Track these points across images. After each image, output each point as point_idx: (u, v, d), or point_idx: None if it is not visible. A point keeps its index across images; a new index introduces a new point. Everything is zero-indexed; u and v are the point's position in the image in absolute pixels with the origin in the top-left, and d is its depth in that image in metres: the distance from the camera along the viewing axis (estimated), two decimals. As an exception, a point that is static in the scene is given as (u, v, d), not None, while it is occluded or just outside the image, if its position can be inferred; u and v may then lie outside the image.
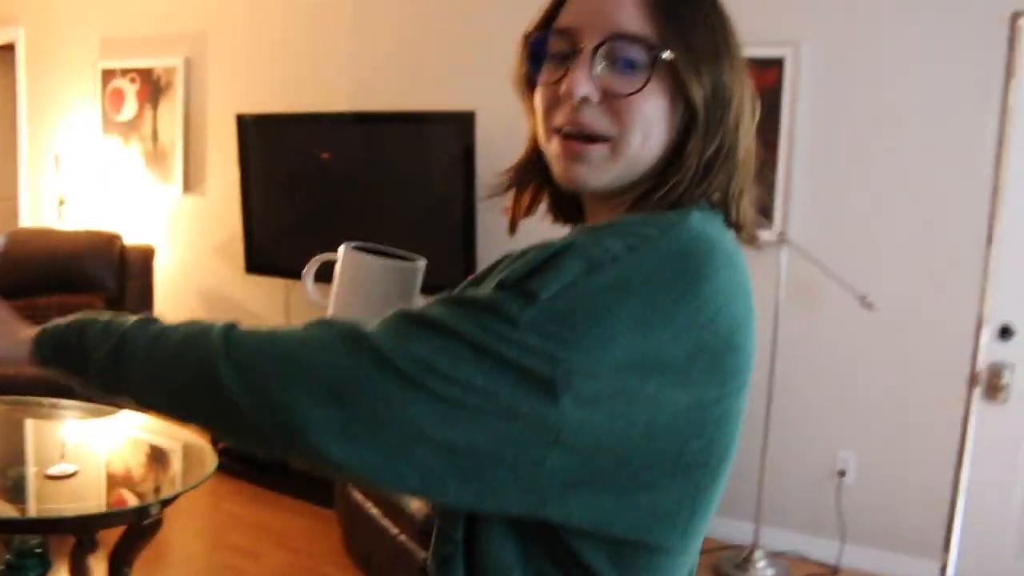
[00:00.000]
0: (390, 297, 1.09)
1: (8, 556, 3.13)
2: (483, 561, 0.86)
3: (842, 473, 3.71)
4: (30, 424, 3.65)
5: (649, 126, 0.87)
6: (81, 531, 3.12)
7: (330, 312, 1.11)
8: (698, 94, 0.86)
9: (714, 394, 0.80)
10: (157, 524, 2.89)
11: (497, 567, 0.85)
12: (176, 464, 3.14)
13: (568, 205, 1.03)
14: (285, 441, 0.78)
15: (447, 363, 0.74)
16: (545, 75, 0.90)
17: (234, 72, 5.01)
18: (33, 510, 2.80)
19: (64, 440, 3.47)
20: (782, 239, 3.51)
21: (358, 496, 3.35)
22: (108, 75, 5.51)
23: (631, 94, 0.85)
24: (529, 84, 0.95)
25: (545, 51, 0.90)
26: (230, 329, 0.85)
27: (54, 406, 3.74)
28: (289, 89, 4.79)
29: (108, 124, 5.53)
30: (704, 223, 0.84)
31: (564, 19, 0.89)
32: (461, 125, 3.93)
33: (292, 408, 0.76)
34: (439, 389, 0.74)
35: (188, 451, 3.26)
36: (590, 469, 0.76)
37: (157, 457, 3.26)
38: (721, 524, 3.76)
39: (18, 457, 3.33)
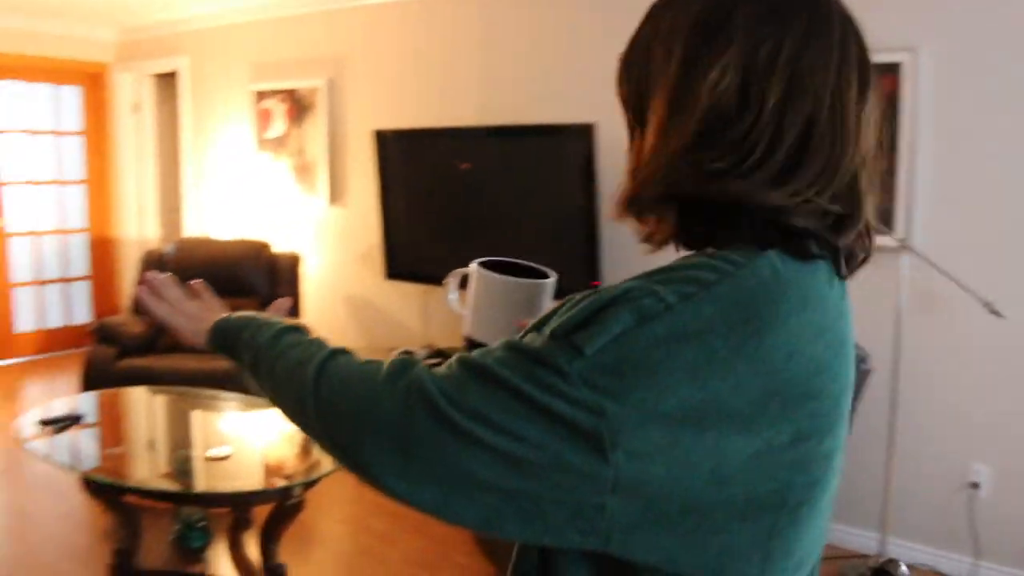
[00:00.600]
0: (518, 312, 1.14)
1: (177, 527, 3.50)
2: None
3: (975, 486, 3.54)
4: (195, 412, 4.04)
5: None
6: (234, 505, 3.45)
7: (465, 324, 1.20)
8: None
9: (786, 439, 0.78)
10: (300, 505, 3.19)
11: None
12: (319, 452, 3.43)
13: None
14: (357, 474, 0.84)
15: (498, 414, 0.76)
16: None
17: (371, 91, 5.34)
18: (196, 486, 3.14)
19: (223, 427, 3.84)
20: (904, 246, 3.43)
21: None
22: (259, 96, 5.96)
23: None
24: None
25: None
26: (325, 363, 0.91)
27: (215, 397, 4.13)
28: (422, 105, 5.07)
29: (260, 141, 5.98)
30: (781, 262, 0.81)
31: None
32: (581, 137, 4.08)
33: (359, 450, 0.82)
34: (491, 440, 0.75)
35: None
36: (653, 513, 0.76)
37: (303, 445, 3.57)
38: (845, 533, 3.74)
39: (184, 440, 3.72)
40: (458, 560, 3.65)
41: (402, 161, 4.87)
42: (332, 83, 5.53)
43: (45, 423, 3.57)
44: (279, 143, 5.84)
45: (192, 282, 1.26)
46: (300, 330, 1.03)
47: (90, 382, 4.72)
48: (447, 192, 4.71)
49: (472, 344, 1.17)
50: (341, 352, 0.94)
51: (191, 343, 1.18)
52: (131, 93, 7.24)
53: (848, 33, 0.86)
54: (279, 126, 5.82)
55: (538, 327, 0.83)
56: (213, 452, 3.32)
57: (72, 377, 6.45)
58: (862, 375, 3.09)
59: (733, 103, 0.82)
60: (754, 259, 0.80)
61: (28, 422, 3.62)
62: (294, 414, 0.94)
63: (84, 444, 3.58)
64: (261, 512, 3.81)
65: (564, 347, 0.76)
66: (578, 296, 0.81)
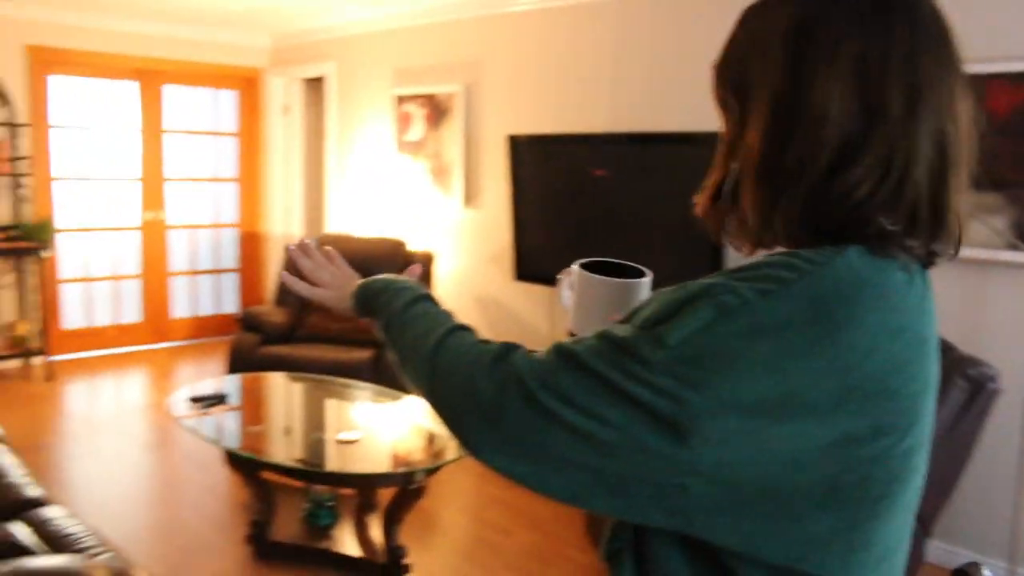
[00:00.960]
0: (615, 308, 1.20)
1: (308, 505, 3.73)
2: (649, 563, 0.90)
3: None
4: (329, 399, 4.27)
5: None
6: (360, 486, 3.66)
7: (570, 320, 1.30)
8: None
9: (865, 433, 0.80)
10: (421, 490, 3.35)
11: (663, 571, 0.89)
12: (441, 443, 3.59)
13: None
14: (461, 444, 0.91)
15: (584, 398, 0.81)
16: None
17: (506, 97, 5.49)
18: (327, 466, 3.35)
19: (354, 413, 4.06)
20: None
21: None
22: (400, 101, 6.21)
23: None
24: None
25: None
26: (445, 337, 0.99)
27: (347, 386, 4.36)
28: (555, 111, 5.19)
29: (399, 144, 6.23)
30: (860, 261, 0.83)
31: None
32: (711, 145, 4.10)
33: (462, 424, 0.90)
34: (577, 422, 0.81)
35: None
36: (733, 497, 0.79)
37: (427, 436, 3.74)
38: (970, 560, 3.63)
39: (318, 424, 3.95)
40: (570, 554, 3.74)
41: (534, 166, 4.99)
42: (469, 88, 5.71)
43: (195, 401, 3.87)
44: (418, 146, 6.07)
45: (326, 248, 1.37)
46: (431, 300, 1.11)
47: (234, 366, 5.04)
48: (578, 197, 4.81)
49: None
50: (461, 328, 1.01)
51: (336, 308, 1.30)
52: (282, 96, 7.66)
53: (947, 33, 0.87)
54: (418, 129, 6.05)
55: (629, 319, 0.89)
56: (344, 436, 3.53)
57: (219, 361, 6.88)
58: (989, 394, 3.03)
59: (856, 116, 0.83)
60: (833, 258, 0.82)
61: (179, 400, 3.93)
62: (415, 380, 1.01)
63: (228, 422, 3.86)
64: (385, 496, 4.02)
65: (649, 338, 0.81)
66: (666, 290, 0.87)
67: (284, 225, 7.80)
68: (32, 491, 2.97)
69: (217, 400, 3.91)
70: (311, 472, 3.36)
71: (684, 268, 4.35)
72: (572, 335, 1.25)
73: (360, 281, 1.24)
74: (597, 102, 4.95)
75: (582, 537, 3.86)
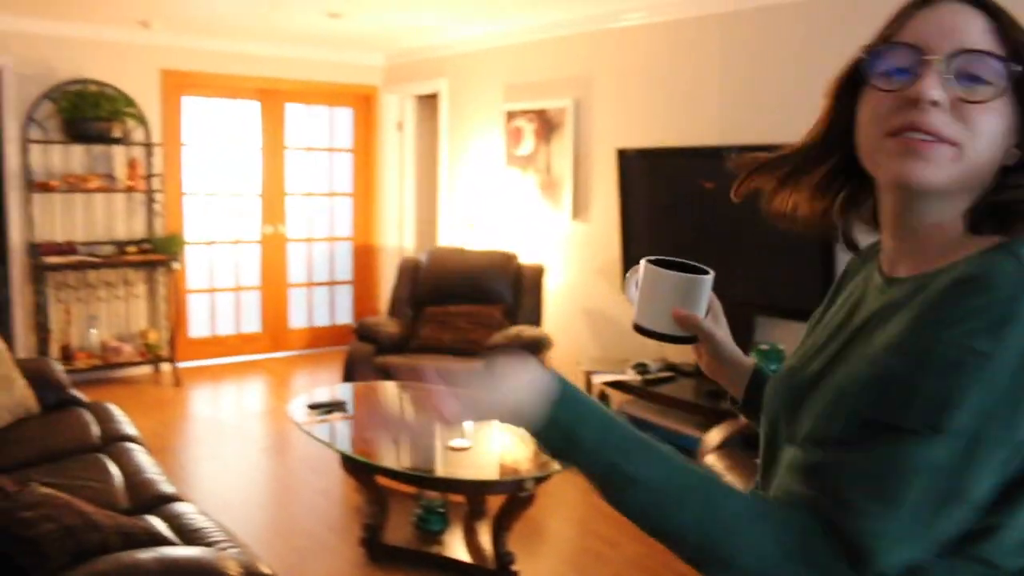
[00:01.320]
0: (677, 302, 1.26)
1: (419, 510, 3.83)
2: None
3: None
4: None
5: (993, 137, 0.91)
6: (471, 492, 3.74)
7: (635, 313, 1.32)
8: None
9: None
10: (530, 498, 3.42)
11: None
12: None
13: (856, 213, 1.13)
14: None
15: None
16: (882, 83, 0.95)
17: (615, 111, 5.54)
18: (439, 472, 3.45)
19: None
20: None
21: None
22: (510, 116, 6.33)
23: (982, 101, 0.90)
24: (846, 93, 1.03)
25: (882, 64, 0.96)
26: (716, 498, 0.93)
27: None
28: (664, 125, 5.21)
29: (510, 158, 6.35)
30: None
31: (908, 35, 0.95)
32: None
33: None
34: None
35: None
36: None
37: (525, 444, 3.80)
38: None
39: (429, 432, 4.05)
40: (678, 568, 3.73)
41: (643, 179, 5.03)
42: (578, 103, 5.78)
43: (312, 408, 4.03)
44: (528, 160, 6.17)
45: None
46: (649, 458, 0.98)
47: (350, 375, 5.22)
48: (686, 209, 4.81)
49: (639, 330, 1.29)
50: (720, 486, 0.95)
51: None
52: (395, 113, 7.88)
53: None
54: (528, 144, 6.15)
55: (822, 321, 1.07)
56: (455, 444, 3.63)
57: (333, 371, 7.11)
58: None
59: None
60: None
61: (298, 407, 4.10)
62: (671, 544, 0.97)
63: (345, 428, 4.01)
64: (494, 504, 4.10)
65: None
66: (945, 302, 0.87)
67: (397, 238, 8.01)
68: (166, 488, 3.15)
69: (335, 407, 4.06)
70: (424, 477, 3.47)
71: (793, 281, 4.32)
72: (636, 326, 1.30)
73: (535, 413, 0.97)
74: (708, 115, 4.95)
75: (690, 550, 3.85)
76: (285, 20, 6.05)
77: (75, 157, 6.54)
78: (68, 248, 6.40)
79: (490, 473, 3.60)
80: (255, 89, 7.33)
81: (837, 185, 1.10)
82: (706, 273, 1.29)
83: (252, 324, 7.61)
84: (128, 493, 3.09)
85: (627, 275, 1.36)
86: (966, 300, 0.85)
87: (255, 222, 7.52)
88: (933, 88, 0.90)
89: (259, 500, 4.50)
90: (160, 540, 2.38)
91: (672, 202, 4.92)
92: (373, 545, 3.69)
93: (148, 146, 6.74)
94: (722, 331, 1.29)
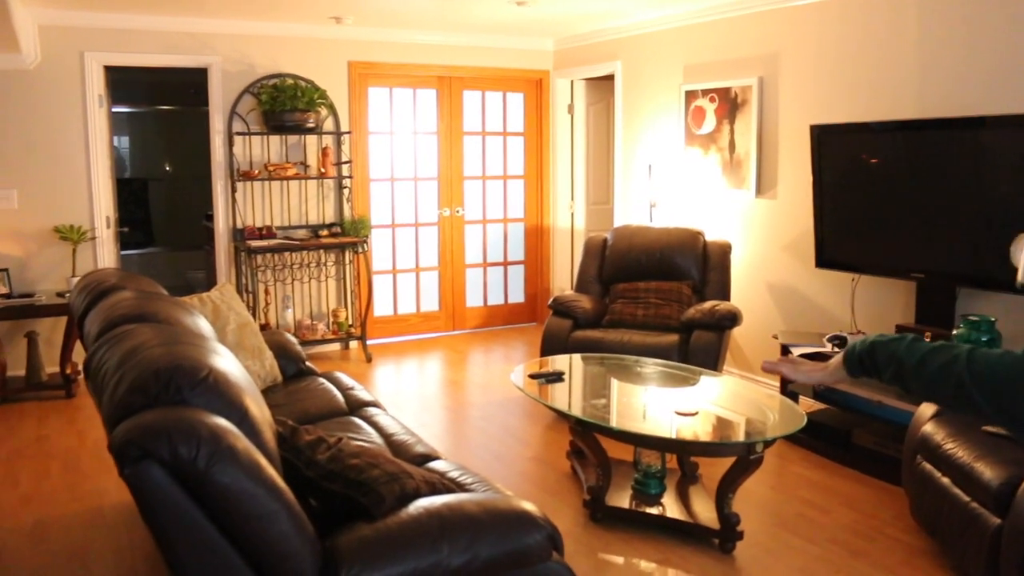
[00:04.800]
0: None
1: (637, 475, 4.01)
2: None
3: None
4: (656, 377, 4.54)
5: None
6: (702, 454, 3.89)
7: (1020, 275, 1.63)
8: None
9: None
10: (759, 461, 3.55)
11: None
12: (772, 417, 3.77)
13: None
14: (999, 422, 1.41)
15: None
16: None
17: (803, 87, 5.56)
18: (672, 434, 3.62)
19: (683, 390, 4.31)
20: None
21: (927, 467, 3.68)
22: (690, 96, 6.41)
23: None
24: None
25: None
26: (969, 359, 1.44)
27: (668, 366, 4.62)
28: (855, 99, 5.20)
29: (690, 137, 6.44)
30: None
31: None
32: (1018, 129, 4.05)
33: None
34: None
35: (781, 408, 3.91)
36: None
37: (758, 410, 3.93)
38: None
39: (655, 399, 4.24)
40: (892, 533, 3.81)
41: (835, 154, 5.04)
42: (763, 81, 5.82)
43: (534, 377, 4.26)
44: (709, 139, 6.26)
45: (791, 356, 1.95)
46: (916, 341, 1.58)
47: (548, 349, 5.44)
48: (884, 184, 4.81)
49: (1021, 291, 1.55)
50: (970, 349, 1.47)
51: (824, 380, 1.82)
52: (565, 96, 8.07)
53: None
54: (710, 123, 6.23)
55: None
56: (682, 409, 3.79)
57: (510, 347, 7.39)
58: None
59: None
60: None
61: (518, 377, 4.34)
62: (946, 399, 1.49)
63: (566, 395, 4.23)
64: (708, 471, 4.25)
65: None
66: None
67: (568, 218, 8.21)
68: (421, 448, 3.42)
69: (556, 376, 4.28)
70: (664, 439, 3.64)
71: (998, 251, 4.27)
72: (1019, 283, 1.67)
73: (849, 349, 1.73)
74: (903, 88, 4.92)
75: (904, 519, 3.91)
76: (469, 10, 6.29)
77: (273, 147, 6.98)
78: (267, 232, 6.85)
79: (720, 436, 3.75)
80: (434, 77, 7.64)
81: None
82: None
83: (431, 303, 7.96)
84: (391, 452, 3.37)
85: (1014, 241, 1.57)
86: None
87: (433, 205, 7.85)
88: None
89: (475, 467, 4.77)
90: (455, 488, 2.62)
91: (866, 177, 4.92)
92: (596, 506, 3.89)
93: (338, 135, 7.13)
94: None
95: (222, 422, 2.01)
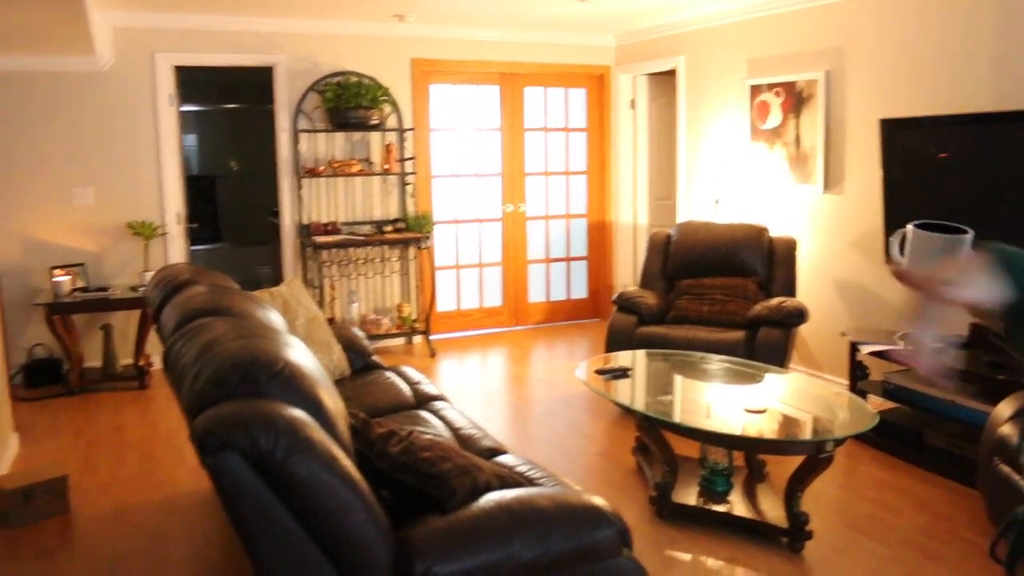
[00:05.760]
0: (939, 258, 1.48)
1: (704, 472, 3.99)
2: None
3: None
4: (723, 374, 4.50)
5: None
6: (771, 451, 3.85)
7: (904, 266, 1.62)
8: None
9: None
10: (829, 460, 3.50)
11: None
12: (842, 415, 3.72)
13: None
14: None
15: None
16: None
17: (872, 80, 5.46)
18: (741, 432, 3.58)
19: (751, 387, 4.27)
20: None
21: (1005, 470, 3.59)
22: (755, 90, 6.34)
23: None
24: None
25: None
26: None
27: (735, 363, 4.58)
28: (924, 92, 5.09)
29: (755, 132, 6.37)
30: None
31: None
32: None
33: None
34: None
35: (850, 406, 3.85)
36: None
37: (827, 408, 3.87)
38: None
39: (722, 396, 4.20)
40: (968, 536, 3.72)
41: (909, 148, 4.94)
42: (830, 74, 5.73)
43: (600, 372, 4.25)
44: (774, 134, 6.18)
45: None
46: None
47: (613, 345, 5.42)
48: (954, 179, 4.71)
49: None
50: None
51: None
52: (627, 92, 8.03)
53: None
54: (775, 117, 6.15)
55: None
56: (751, 407, 3.76)
57: (572, 343, 7.39)
58: None
59: None
60: None
61: (583, 372, 4.34)
62: None
63: (633, 391, 4.21)
64: (776, 469, 4.20)
65: None
66: None
67: (630, 214, 8.18)
68: (488, 442, 3.44)
69: (622, 372, 4.28)
70: (730, 437, 3.61)
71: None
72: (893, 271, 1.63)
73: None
74: (975, 79, 4.80)
75: (980, 521, 3.83)
76: (531, 6, 6.30)
77: (337, 144, 7.06)
78: (332, 228, 6.93)
79: (790, 434, 3.70)
80: (496, 74, 7.66)
81: None
82: (965, 232, 1.57)
83: (494, 299, 7.99)
84: (459, 446, 3.39)
85: (891, 238, 1.61)
86: None
87: (496, 201, 7.87)
88: None
89: (540, 462, 4.77)
90: (524, 483, 2.64)
91: (938, 171, 4.82)
92: (662, 503, 3.87)
93: (401, 131, 7.19)
94: None
95: (299, 414, 2.05)
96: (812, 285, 5.95)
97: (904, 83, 5.24)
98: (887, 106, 5.31)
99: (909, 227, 1.62)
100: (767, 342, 5.03)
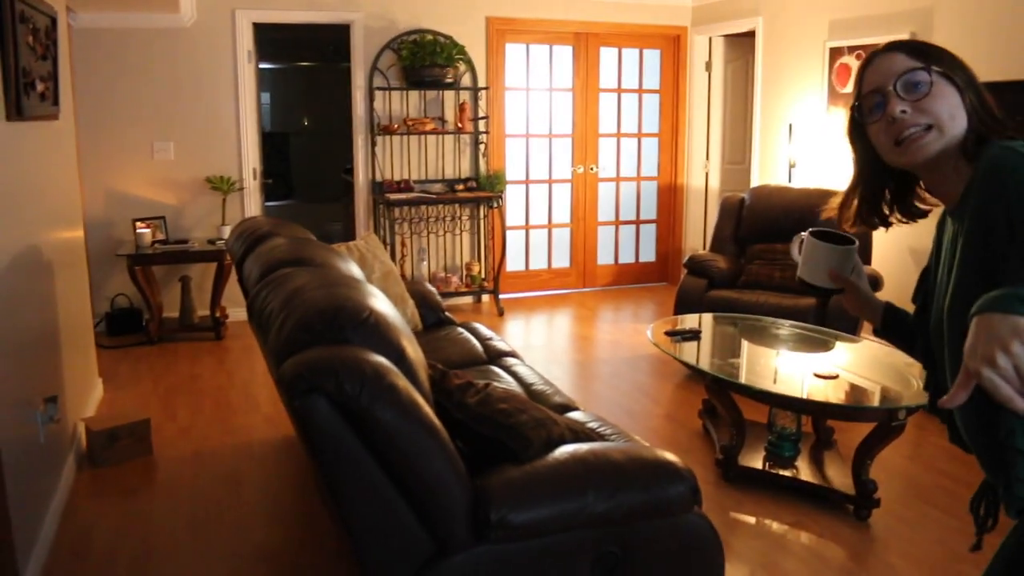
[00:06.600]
0: (830, 265, 1.74)
1: (771, 437, 3.99)
2: None
3: None
4: (793, 339, 4.48)
5: (950, 109, 1.45)
6: (841, 417, 3.83)
7: (799, 270, 1.79)
8: (962, 82, 1.48)
9: None
10: (901, 428, 3.48)
11: None
12: (915, 384, 3.68)
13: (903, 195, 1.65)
14: None
15: None
16: (873, 119, 1.51)
17: (959, 43, 5.30)
18: (805, 395, 3.58)
19: (823, 353, 4.25)
20: None
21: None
22: (835, 53, 6.21)
23: (926, 94, 1.45)
24: (859, 135, 1.58)
25: (867, 109, 1.52)
26: None
27: (806, 329, 4.55)
28: (1013, 56, 4.94)
29: (833, 96, 6.25)
30: None
31: (868, 85, 1.52)
32: None
33: None
34: None
35: (922, 376, 3.80)
36: None
37: (899, 378, 3.83)
38: None
39: (793, 361, 4.19)
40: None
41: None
42: (915, 36, 5.58)
43: (670, 335, 4.26)
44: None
45: None
46: None
47: (682, 307, 5.42)
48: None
49: (802, 283, 1.81)
50: None
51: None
52: (703, 53, 7.92)
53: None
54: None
55: None
56: (821, 371, 3.74)
57: (640, 306, 7.39)
58: None
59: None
60: None
61: (653, 333, 4.35)
62: None
63: (702, 353, 4.22)
64: (844, 436, 4.18)
65: None
66: None
67: (701, 178, 8.11)
68: (559, 398, 3.48)
69: (693, 335, 4.28)
70: (800, 401, 3.61)
71: None
72: (800, 280, 1.81)
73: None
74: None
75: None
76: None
77: (411, 102, 7.11)
78: (405, 186, 7.01)
79: (862, 401, 3.68)
80: (570, 33, 7.62)
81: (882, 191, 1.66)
82: (853, 243, 1.76)
83: (562, 260, 8.01)
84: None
85: (792, 239, 1.83)
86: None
87: (567, 162, 7.86)
88: (897, 107, 1.47)
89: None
90: (596, 437, 2.68)
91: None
92: (728, 465, 3.89)
93: (475, 90, 7.21)
94: (863, 283, 1.81)
95: (384, 361, 2.11)
96: (887, 253, 5.85)
97: (994, 45, 5.09)
98: (975, 69, 5.14)
99: (804, 235, 1.78)
100: (839, 309, 4.98)
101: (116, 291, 6.52)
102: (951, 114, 1.46)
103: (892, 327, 1.82)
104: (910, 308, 1.80)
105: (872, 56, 1.55)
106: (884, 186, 1.65)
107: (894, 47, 1.54)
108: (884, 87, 1.49)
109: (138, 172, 6.53)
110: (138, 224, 6.27)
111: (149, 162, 6.55)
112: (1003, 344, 1.08)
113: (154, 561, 3.25)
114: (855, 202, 1.67)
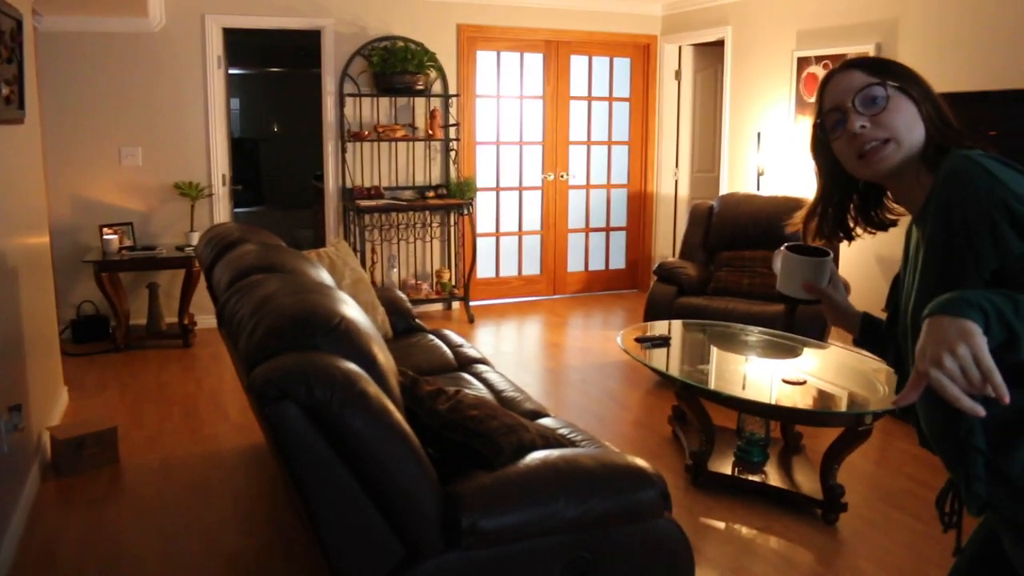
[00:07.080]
0: (806, 277, 1.79)
1: (740, 442, 4.02)
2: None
3: None
4: (761, 346, 4.52)
5: (908, 121, 1.51)
6: (809, 422, 3.88)
7: (778, 282, 1.85)
8: (918, 94, 1.53)
9: None
10: (868, 433, 3.52)
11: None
12: (882, 390, 3.72)
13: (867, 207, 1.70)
14: None
15: None
16: (836, 135, 1.56)
17: (923, 54, 5.38)
18: (779, 402, 3.61)
19: (790, 359, 4.29)
20: None
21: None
22: (803, 62, 6.28)
23: (884, 108, 1.51)
24: (823, 151, 1.63)
25: (828, 126, 1.58)
26: None
27: (774, 335, 4.59)
28: (976, 67, 5.02)
29: (800, 105, 6.32)
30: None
31: (828, 102, 1.58)
32: None
33: None
34: None
35: (889, 381, 3.85)
36: None
37: (866, 383, 3.88)
38: None
39: (759, 367, 4.22)
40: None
41: (966, 125, 4.87)
42: (881, 47, 5.66)
43: (639, 341, 4.28)
44: (821, 107, 6.11)
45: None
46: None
47: (651, 314, 5.45)
48: (1005, 156, 4.65)
49: (782, 296, 1.86)
50: None
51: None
52: (673, 62, 7.99)
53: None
54: (823, 91, 6.09)
55: None
56: (789, 377, 3.78)
57: (610, 313, 7.41)
58: None
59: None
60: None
61: (623, 340, 4.37)
62: None
63: (671, 360, 4.25)
64: (813, 441, 4.22)
65: None
66: None
67: (671, 185, 8.16)
68: (529, 405, 3.49)
69: (662, 341, 4.31)
70: (769, 407, 3.64)
71: None
72: (779, 293, 1.86)
73: (963, 318, 1.20)
74: (1032, 57, 4.73)
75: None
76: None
77: (382, 108, 7.11)
78: (376, 192, 6.99)
79: (831, 405, 3.72)
80: (541, 41, 7.66)
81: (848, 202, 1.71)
82: (827, 255, 1.82)
83: (533, 267, 8.03)
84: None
85: (774, 254, 1.88)
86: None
87: (537, 169, 7.89)
88: (856, 122, 1.52)
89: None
90: (567, 443, 2.69)
91: (1001, 148, 4.75)
92: (698, 471, 3.91)
93: (446, 97, 7.22)
94: (839, 294, 1.84)
95: (355, 368, 2.11)
96: (854, 261, 5.91)
97: (956, 57, 5.17)
98: (938, 80, 5.18)
99: (781, 249, 1.83)
100: (807, 316, 5.03)
101: (82, 298, 6.45)
102: (908, 126, 1.52)
103: (869, 336, 1.85)
104: (883, 316, 1.84)
105: (831, 74, 1.61)
106: (849, 198, 1.70)
107: (852, 64, 1.59)
108: (843, 104, 1.55)
109: (105, 177, 6.47)
110: (105, 230, 6.21)
111: (117, 167, 6.48)
112: (950, 346, 1.16)
113: (121, 571, 3.21)
114: (818, 216, 1.71)
